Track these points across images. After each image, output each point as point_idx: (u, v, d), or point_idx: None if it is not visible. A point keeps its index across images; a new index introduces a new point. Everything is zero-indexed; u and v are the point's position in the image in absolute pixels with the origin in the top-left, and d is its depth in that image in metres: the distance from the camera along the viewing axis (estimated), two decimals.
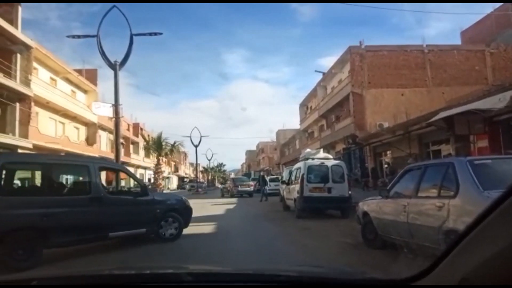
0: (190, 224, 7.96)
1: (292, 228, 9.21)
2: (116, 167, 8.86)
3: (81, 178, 7.13)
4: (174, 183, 72.67)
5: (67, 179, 7.52)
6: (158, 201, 7.48)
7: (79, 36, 10.31)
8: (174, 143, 17.10)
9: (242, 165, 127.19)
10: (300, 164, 13.03)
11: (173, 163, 74.55)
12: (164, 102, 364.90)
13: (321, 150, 15.10)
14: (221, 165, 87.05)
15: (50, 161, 6.41)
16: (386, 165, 24.82)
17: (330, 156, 14.18)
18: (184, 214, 7.74)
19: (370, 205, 6.08)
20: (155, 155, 15.53)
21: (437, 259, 1.04)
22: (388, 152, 24.23)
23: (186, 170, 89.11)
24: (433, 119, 13.81)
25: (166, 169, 65.85)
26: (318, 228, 8.92)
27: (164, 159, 67.61)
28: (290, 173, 15.04)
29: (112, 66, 10.00)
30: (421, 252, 4.26)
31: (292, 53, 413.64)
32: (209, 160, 62.31)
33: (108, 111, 10.45)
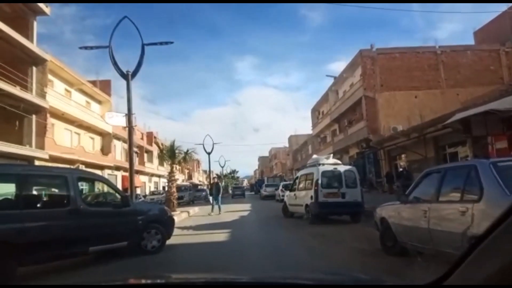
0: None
1: (307, 234, 9.05)
2: (95, 178, 8.42)
3: (58, 190, 6.63)
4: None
5: (44, 191, 6.99)
6: (139, 211, 7.16)
7: (91, 47, 10.49)
8: (187, 150, 17.10)
9: (255, 171, 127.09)
10: (310, 170, 12.92)
11: (186, 171, 74.94)
12: (177, 111, 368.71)
13: (331, 155, 14.88)
14: (234, 171, 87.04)
15: (25, 172, 6.06)
16: (401, 169, 24.48)
17: (340, 162, 14.03)
18: (166, 225, 7.48)
19: (388, 210, 5.92)
20: (169, 163, 15.66)
21: (452, 266, 1.03)
22: (403, 156, 23.87)
23: (199, 178, 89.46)
24: (449, 120, 13.54)
25: (180, 177, 66.27)
26: (333, 234, 8.75)
27: (178, 167, 68.29)
28: (295, 179, 14.90)
29: (124, 76, 10.12)
30: (445, 259, 4.13)
31: (302, 59, 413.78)
32: (222, 167, 62.31)
33: (121, 121, 10.54)
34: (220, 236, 9.26)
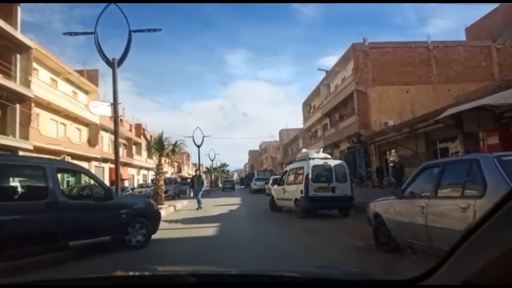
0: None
1: (298, 229, 8.80)
2: (75, 169, 7.95)
3: (36, 181, 6.17)
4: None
5: (20, 182, 6.52)
6: (124, 205, 6.80)
7: (76, 33, 9.97)
8: (176, 142, 16.54)
9: (245, 165, 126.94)
10: (300, 164, 12.75)
11: (176, 164, 74.34)
12: (167, 103, 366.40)
13: (321, 149, 14.63)
14: (224, 165, 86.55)
15: None
16: (392, 164, 24.47)
17: (329, 156, 13.88)
18: (152, 219, 7.17)
19: (383, 206, 5.69)
20: (157, 155, 15.12)
21: (441, 260, 1.04)
22: (393, 151, 23.82)
23: (189, 171, 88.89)
24: (441, 116, 13.39)
25: (169, 170, 65.70)
26: (325, 229, 8.52)
27: (167, 160, 67.63)
28: (284, 173, 14.68)
29: (110, 63, 9.68)
30: (442, 257, 3.90)
31: (294, 53, 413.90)
32: (212, 160, 61.88)
33: (107, 110, 10.11)
34: (209, 230, 8.94)
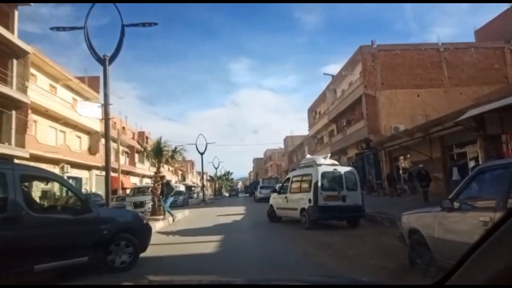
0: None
1: (312, 245, 7.75)
2: (46, 175, 6.65)
3: None
4: None
5: None
6: (105, 219, 5.65)
7: (64, 28, 9.12)
8: (175, 148, 15.39)
9: (250, 173, 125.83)
10: (307, 171, 11.75)
11: (180, 172, 73.52)
12: (172, 112, 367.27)
13: (329, 155, 13.49)
14: (228, 173, 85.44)
15: None
16: (401, 171, 23.38)
17: (337, 163, 12.83)
18: (140, 235, 6.05)
19: (422, 220, 4.55)
20: (156, 162, 13.93)
21: (455, 265, 1.01)
22: (405, 157, 22.75)
23: (193, 179, 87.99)
24: (462, 117, 12.42)
25: (172, 178, 64.82)
26: (341, 245, 7.48)
27: (171, 168, 66.76)
28: (285, 181, 13.56)
29: (101, 60, 8.81)
30: None
31: (297, 61, 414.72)
32: (216, 168, 60.86)
33: (96, 112, 9.19)
34: (208, 247, 7.88)
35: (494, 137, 13.33)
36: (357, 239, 8.19)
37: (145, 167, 45.11)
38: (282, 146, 68.15)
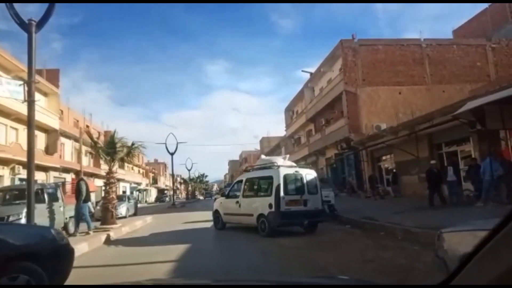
0: None
1: (297, 265, 5.96)
2: None
3: None
4: (152, 196, 68.51)
5: None
6: None
7: None
8: (133, 144, 13.12)
9: (225, 176, 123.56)
10: (265, 173, 10.49)
11: (151, 174, 70.56)
12: (146, 113, 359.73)
13: (287, 156, 12.37)
14: (203, 175, 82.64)
15: None
16: (384, 171, 22.15)
17: (295, 164, 11.58)
18: (52, 262, 4.15)
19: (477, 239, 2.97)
20: (109, 160, 11.54)
21: (460, 265, 0.98)
22: (388, 157, 21.47)
23: (166, 182, 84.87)
24: (460, 110, 11.03)
25: (143, 181, 61.89)
26: (336, 264, 5.76)
27: (141, 170, 63.70)
28: (236, 183, 12.08)
29: (25, 25, 6.71)
30: None
31: (273, 64, 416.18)
32: (188, 170, 58.33)
33: (16, 91, 7.02)
34: (161, 269, 5.94)
35: (491, 134, 12.08)
36: (344, 256, 6.45)
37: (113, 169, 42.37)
38: (258, 148, 66.49)
